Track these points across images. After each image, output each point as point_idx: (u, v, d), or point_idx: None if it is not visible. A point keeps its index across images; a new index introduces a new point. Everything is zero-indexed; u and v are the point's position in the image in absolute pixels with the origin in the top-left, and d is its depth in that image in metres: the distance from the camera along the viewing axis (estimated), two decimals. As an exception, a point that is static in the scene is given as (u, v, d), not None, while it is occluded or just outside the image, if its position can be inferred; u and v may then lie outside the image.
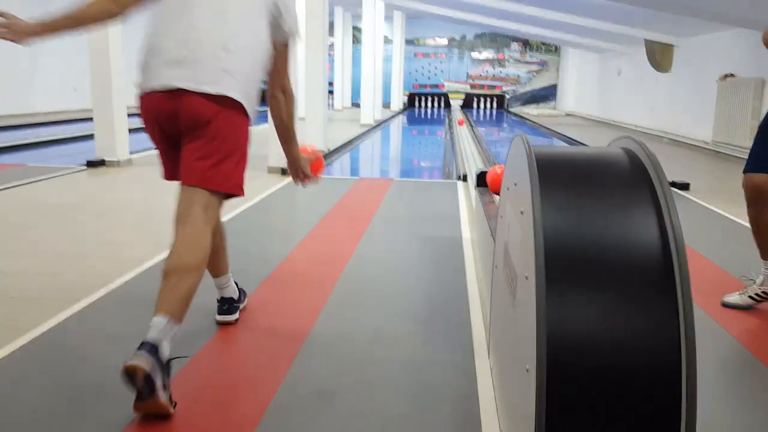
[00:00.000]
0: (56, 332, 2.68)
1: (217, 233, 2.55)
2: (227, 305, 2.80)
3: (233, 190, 2.39)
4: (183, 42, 2.22)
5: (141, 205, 5.37)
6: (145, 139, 2.44)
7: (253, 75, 2.36)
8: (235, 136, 2.35)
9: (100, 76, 7.16)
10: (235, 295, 2.84)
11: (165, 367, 1.98)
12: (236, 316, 2.81)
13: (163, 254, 3.78)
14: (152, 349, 1.94)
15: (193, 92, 2.18)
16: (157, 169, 2.53)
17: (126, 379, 1.89)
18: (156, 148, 2.44)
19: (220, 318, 2.79)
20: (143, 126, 2.36)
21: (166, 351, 2.00)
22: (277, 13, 2.42)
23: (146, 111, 2.31)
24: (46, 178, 6.40)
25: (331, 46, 20.03)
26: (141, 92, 2.30)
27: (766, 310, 3.15)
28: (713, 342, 2.74)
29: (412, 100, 25.68)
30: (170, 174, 2.46)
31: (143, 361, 1.89)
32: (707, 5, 9.52)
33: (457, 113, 21.44)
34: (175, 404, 2.02)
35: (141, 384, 1.89)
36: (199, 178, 2.28)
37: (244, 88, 2.29)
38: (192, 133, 2.25)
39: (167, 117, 2.25)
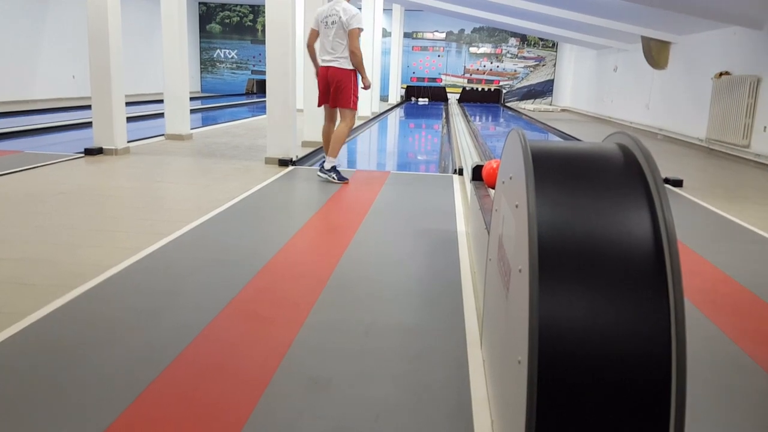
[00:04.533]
0: (50, 320, 2.70)
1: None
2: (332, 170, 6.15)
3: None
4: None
5: (137, 194, 5.38)
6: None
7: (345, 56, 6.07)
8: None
9: (100, 64, 7.16)
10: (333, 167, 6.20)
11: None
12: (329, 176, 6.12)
13: (159, 243, 3.82)
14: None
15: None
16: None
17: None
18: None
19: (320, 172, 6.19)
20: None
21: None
22: (347, 25, 5.94)
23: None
24: (43, 165, 6.40)
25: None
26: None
27: (756, 306, 3.19)
28: (703, 337, 2.77)
29: (409, 93, 25.67)
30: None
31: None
32: (702, 3, 9.54)
33: (454, 107, 21.43)
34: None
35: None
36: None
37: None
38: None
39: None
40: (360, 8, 17.05)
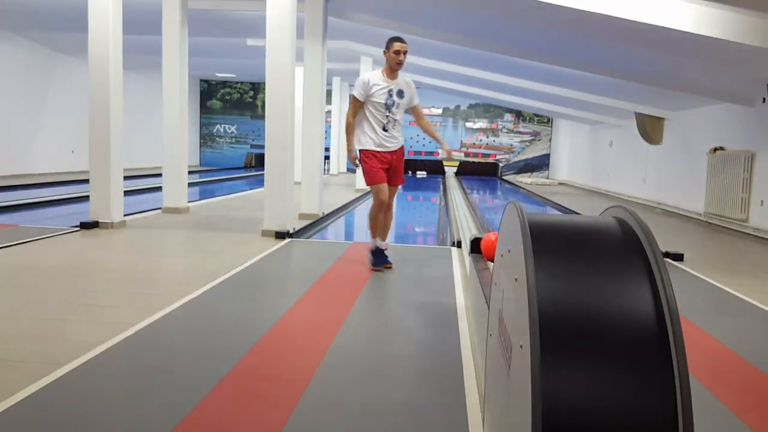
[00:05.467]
0: (38, 397, 2.62)
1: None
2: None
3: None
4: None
5: (132, 268, 5.33)
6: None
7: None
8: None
9: (99, 137, 7.23)
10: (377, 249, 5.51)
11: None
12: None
13: (152, 318, 3.75)
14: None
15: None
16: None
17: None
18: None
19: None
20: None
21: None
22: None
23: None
24: (38, 239, 6.37)
25: (328, 113, 20.36)
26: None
27: (760, 382, 3.11)
28: (709, 414, 2.68)
29: (407, 166, 25.96)
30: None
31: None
32: (694, 81, 9.75)
33: (451, 180, 21.63)
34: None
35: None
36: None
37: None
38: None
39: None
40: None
